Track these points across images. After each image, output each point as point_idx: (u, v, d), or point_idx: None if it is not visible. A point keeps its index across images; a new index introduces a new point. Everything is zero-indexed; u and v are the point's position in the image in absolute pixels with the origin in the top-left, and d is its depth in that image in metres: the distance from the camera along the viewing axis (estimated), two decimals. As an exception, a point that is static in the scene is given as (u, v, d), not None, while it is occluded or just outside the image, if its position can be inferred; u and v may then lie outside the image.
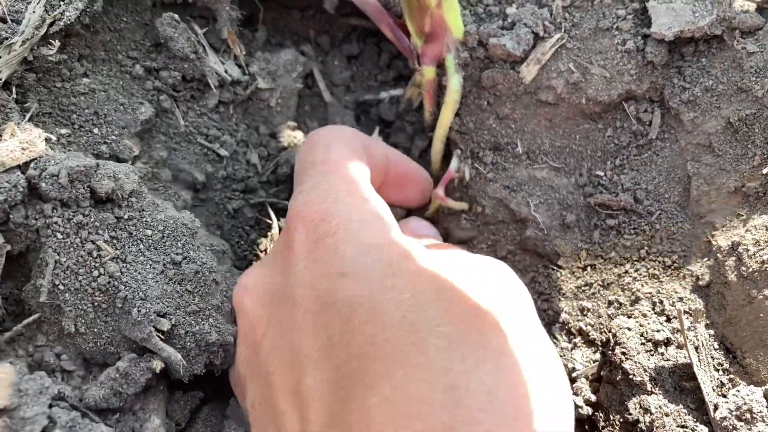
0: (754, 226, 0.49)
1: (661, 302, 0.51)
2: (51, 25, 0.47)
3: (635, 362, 0.48)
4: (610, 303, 0.54)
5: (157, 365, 0.42)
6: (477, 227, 0.59)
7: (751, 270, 0.47)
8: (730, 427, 0.43)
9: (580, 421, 0.50)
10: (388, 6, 0.59)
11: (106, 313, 0.43)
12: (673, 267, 0.52)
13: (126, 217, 0.44)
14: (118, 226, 0.44)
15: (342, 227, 0.40)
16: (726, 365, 0.48)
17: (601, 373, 0.51)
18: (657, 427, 0.45)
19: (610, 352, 0.50)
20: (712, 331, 0.49)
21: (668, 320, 0.51)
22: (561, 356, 0.53)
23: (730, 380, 0.47)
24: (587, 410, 0.50)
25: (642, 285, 0.53)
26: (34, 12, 0.47)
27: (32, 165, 0.43)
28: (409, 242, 0.41)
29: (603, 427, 0.49)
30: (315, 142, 0.48)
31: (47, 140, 0.45)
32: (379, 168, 0.52)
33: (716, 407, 0.45)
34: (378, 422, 0.33)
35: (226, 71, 0.58)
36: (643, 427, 0.46)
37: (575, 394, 0.51)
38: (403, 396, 0.33)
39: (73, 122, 0.48)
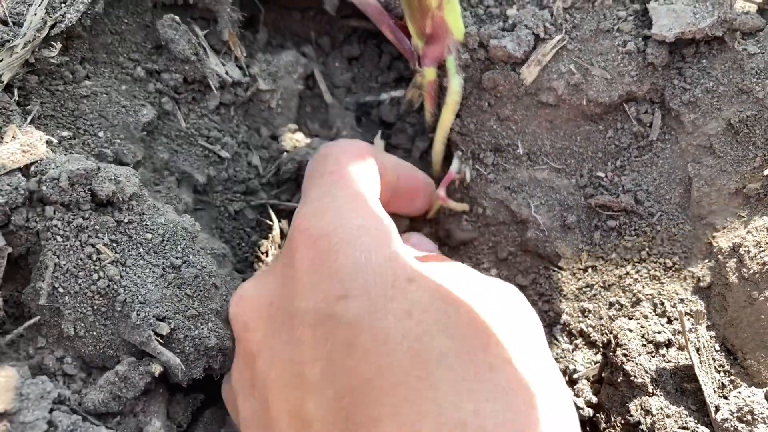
0: (755, 227, 0.49)
1: (662, 304, 0.51)
2: (52, 27, 0.47)
3: (636, 364, 0.48)
4: (611, 304, 0.54)
5: (156, 369, 0.42)
6: (478, 228, 0.59)
7: (752, 271, 0.47)
8: (731, 428, 0.43)
9: (582, 423, 0.50)
10: (389, 7, 0.59)
11: (106, 316, 0.43)
12: (674, 268, 0.52)
13: (126, 220, 0.44)
14: (118, 229, 0.44)
15: (343, 244, 0.39)
16: (727, 367, 0.48)
17: (603, 375, 0.51)
18: (658, 429, 0.45)
19: (611, 354, 0.50)
20: (713, 333, 0.49)
21: (669, 322, 0.51)
22: (562, 358, 0.53)
23: (732, 382, 0.47)
24: (588, 412, 0.50)
25: (643, 286, 0.53)
26: (35, 14, 0.47)
27: (33, 168, 0.43)
28: (413, 261, 0.39)
29: (604, 429, 0.49)
30: (326, 155, 0.47)
31: (48, 143, 0.45)
32: (389, 183, 0.50)
33: (717, 409, 0.45)
34: None
35: (227, 73, 0.58)
36: (645, 429, 0.46)
37: (576, 395, 0.51)
38: None
39: (75, 125, 0.48)
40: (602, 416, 0.50)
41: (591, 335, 0.53)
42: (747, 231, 0.49)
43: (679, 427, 0.45)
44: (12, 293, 0.44)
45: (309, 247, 0.39)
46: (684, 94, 0.53)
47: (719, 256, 0.50)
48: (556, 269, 0.56)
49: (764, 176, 0.49)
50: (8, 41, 0.46)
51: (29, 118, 0.46)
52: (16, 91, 0.46)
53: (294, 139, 0.61)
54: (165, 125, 0.55)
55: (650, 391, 0.47)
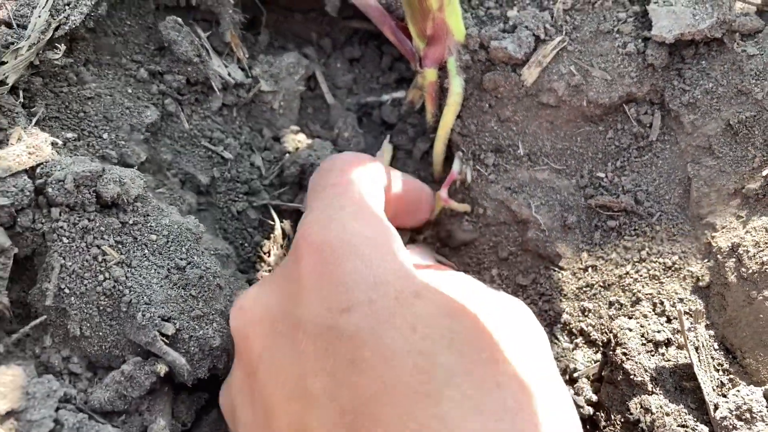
0: (754, 227, 0.49)
1: (662, 303, 0.52)
2: (56, 29, 0.47)
3: (636, 362, 0.48)
4: (611, 304, 0.54)
5: (162, 369, 0.43)
6: (479, 229, 0.59)
7: (751, 271, 0.48)
8: (731, 426, 0.44)
9: (582, 421, 0.50)
10: (390, 9, 0.60)
11: (111, 317, 0.43)
12: (673, 268, 0.53)
13: (131, 222, 0.44)
14: (123, 230, 0.44)
15: (348, 254, 0.38)
16: (726, 365, 0.48)
17: (603, 374, 0.52)
18: (658, 427, 0.46)
19: (611, 353, 0.50)
20: (712, 332, 0.50)
21: (669, 321, 0.51)
22: (562, 356, 0.54)
23: (730, 380, 0.47)
24: (588, 410, 0.51)
25: (643, 286, 0.53)
26: (39, 17, 0.47)
27: (39, 169, 0.43)
28: (417, 274, 0.39)
29: (604, 427, 0.50)
30: (330, 167, 0.47)
31: (54, 144, 0.45)
32: (394, 197, 0.50)
33: (716, 407, 0.45)
34: None
35: (229, 74, 0.58)
36: (644, 427, 0.46)
37: (576, 394, 0.51)
38: None
39: (80, 126, 0.49)
40: (602, 414, 0.50)
41: (591, 334, 0.54)
42: (746, 231, 0.49)
43: (679, 425, 0.45)
44: (18, 294, 0.44)
45: (313, 255, 0.39)
46: (683, 95, 0.54)
47: (718, 255, 0.50)
48: (556, 269, 0.57)
49: (763, 177, 0.50)
50: (13, 43, 0.46)
51: (34, 120, 0.46)
52: (21, 93, 0.46)
53: (296, 140, 0.61)
54: (168, 127, 0.55)
55: (650, 389, 0.47)
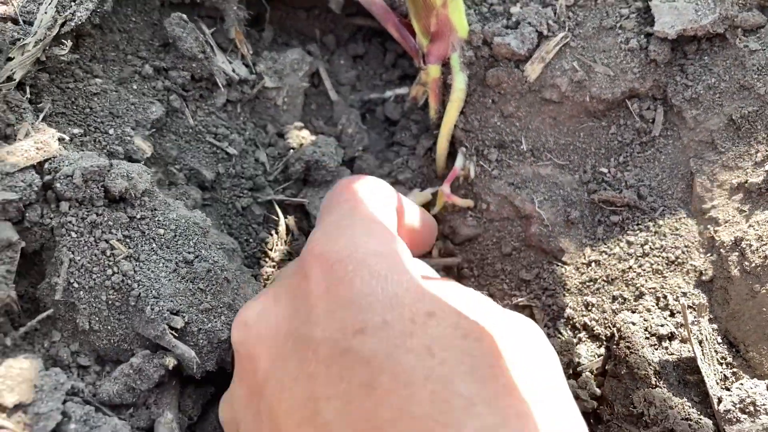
0: (757, 221, 0.49)
1: (665, 297, 0.52)
2: (63, 25, 0.48)
3: (640, 356, 0.48)
4: (614, 298, 0.54)
5: (170, 362, 0.43)
6: (482, 224, 0.59)
7: (754, 265, 0.48)
8: (734, 419, 0.44)
9: (585, 415, 0.51)
10: (394, 6, 0.60)
11: (120, 310, 0.44)
12: (676, 262, 0.53)
13: (139, 216, 0.45)
14: (131, 225, 0.44)
15: (360, 271, 0.37)
16: (729, 359, 0.48)
17: (606, 367, 0.52)
18: (661, 420, 0.46)
19: (614, 347, 0.50)
20: (715, 326, 0.50)
21: (672, 315, 0.51)
22: (566, 351, 0.54)
23: (734, 374, 0.48)
24: (592, 404, 0.51)
25: (646, 280, 0.53)
26: (45, 13, 0.47)
27: (47, 165, 0.43)
28: (431, 291, 0.37)
29: (608, 421, 0.50)
30: (344, 187, 0.46)
31: (61, 140, 0.45)
32: (405, 224, 0.49)
33: (720, 400, 0.45)
34: None
35: (233, 70, 0.59)
36: (648, 420, 0.47)
37: (580, 387, 0.51)
38: None
39: (86, 122, 0.49)
40: (606, 408, 0.50)
41: (594, 328, 0.54)
42: (749, 225, 0.50)
43: (682, 419, 0.46)
44: (27, 289, 0.45)
45: (323, 272, 0.38)
46: (686, 91, 0.54)
47: (721, 249, 0.51)
48: (559, 264, 0.57)
49: (766, 171, 0.50)
50: (20, 40, 0.46)
51: (41, 116, 0.46)
52: (28, 89, 0.46)
53: (300, 136, 0.61)
54: (173, 122, 0.56)
55: (653, 383, 0.48)
